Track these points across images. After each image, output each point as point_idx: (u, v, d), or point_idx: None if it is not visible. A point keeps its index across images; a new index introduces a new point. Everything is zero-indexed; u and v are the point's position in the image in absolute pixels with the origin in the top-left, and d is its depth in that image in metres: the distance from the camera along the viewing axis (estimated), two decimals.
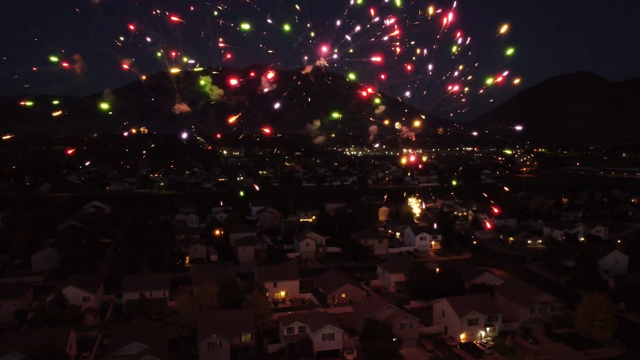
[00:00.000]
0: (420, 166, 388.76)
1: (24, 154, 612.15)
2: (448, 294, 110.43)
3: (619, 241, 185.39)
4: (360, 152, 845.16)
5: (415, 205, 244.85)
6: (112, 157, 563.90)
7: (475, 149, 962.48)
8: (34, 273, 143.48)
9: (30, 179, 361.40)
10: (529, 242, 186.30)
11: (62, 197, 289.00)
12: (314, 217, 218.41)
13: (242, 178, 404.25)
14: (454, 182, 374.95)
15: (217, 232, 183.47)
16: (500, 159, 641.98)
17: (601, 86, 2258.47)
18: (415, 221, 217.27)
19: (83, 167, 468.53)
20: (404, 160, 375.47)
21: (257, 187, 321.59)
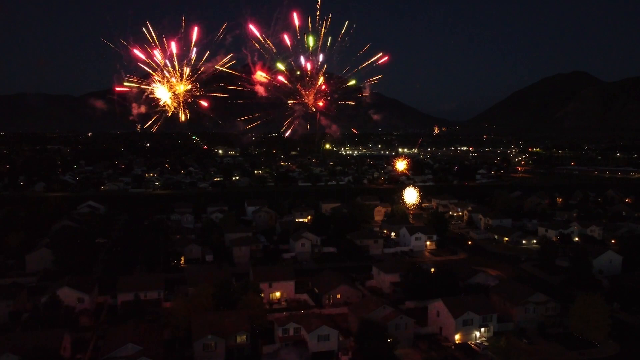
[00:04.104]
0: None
1: (18, 153, 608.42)
2: (443, 295, 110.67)
3: (612, 241, 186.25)
4: (356, 152, 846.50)
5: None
6: (107, 156, 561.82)
7: (471, 148, 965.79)
8: (28, 274, 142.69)
9: (25, 179, 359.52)
10: (523, 242, 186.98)
11: (56, 196, 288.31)
12: (309, 217, 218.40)
13: (237, 177, 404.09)
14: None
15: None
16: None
17: (595, 86, 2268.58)
18: (411, 221, 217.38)
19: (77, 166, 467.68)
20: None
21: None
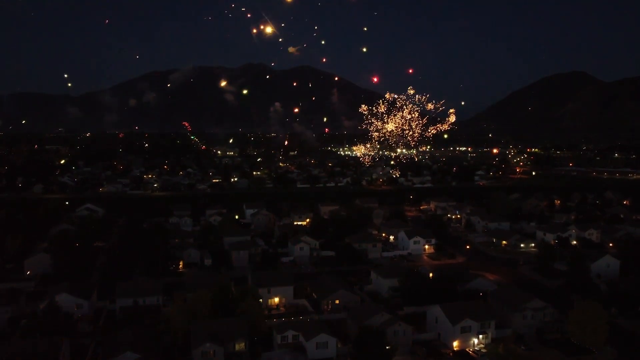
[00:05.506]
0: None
1: (16, 153, 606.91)
2: (441, 300, 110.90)
3: (610, 244, 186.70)
4: (354, 152, 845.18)
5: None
6: (105, 156, 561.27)
7: (469, 148, 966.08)
8: (27, 278, 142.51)
9: (23, 180, 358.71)
10: (522, 245, 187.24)
11: (54, 198, 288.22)
12: (308, 220, 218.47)
13: (236, 179, 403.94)
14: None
15: None
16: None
17: (594, 86, 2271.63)
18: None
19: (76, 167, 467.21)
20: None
21: None
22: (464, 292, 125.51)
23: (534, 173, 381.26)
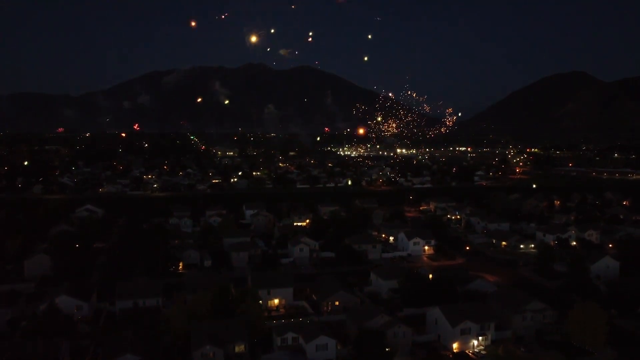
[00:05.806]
0: None
1: (16, 153, 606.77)
2: (441, 301, 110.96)
3: (610, 245, 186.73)
4: (354, 152, 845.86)
5: None
6: (105, 157, 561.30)
7: (469, 148, 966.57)
8: (27, 279, 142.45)
9: (23, 180, 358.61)
10: (521, 246, 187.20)
11: (54, 199, 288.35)
12: (307, 221, 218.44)
13: (235, 179, 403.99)
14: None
15: None
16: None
17: (594, 86, 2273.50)
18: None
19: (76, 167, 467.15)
20: None
21: None
22: (463, 294, 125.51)
23: (534, 186, 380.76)
